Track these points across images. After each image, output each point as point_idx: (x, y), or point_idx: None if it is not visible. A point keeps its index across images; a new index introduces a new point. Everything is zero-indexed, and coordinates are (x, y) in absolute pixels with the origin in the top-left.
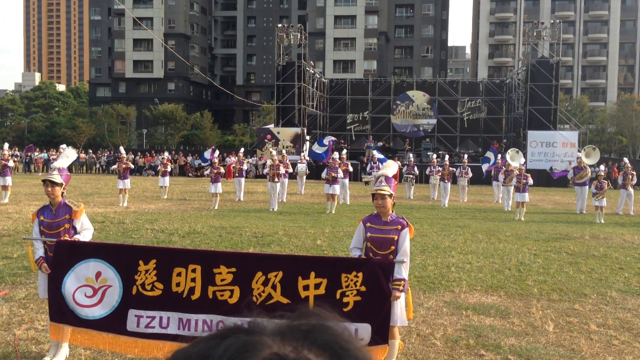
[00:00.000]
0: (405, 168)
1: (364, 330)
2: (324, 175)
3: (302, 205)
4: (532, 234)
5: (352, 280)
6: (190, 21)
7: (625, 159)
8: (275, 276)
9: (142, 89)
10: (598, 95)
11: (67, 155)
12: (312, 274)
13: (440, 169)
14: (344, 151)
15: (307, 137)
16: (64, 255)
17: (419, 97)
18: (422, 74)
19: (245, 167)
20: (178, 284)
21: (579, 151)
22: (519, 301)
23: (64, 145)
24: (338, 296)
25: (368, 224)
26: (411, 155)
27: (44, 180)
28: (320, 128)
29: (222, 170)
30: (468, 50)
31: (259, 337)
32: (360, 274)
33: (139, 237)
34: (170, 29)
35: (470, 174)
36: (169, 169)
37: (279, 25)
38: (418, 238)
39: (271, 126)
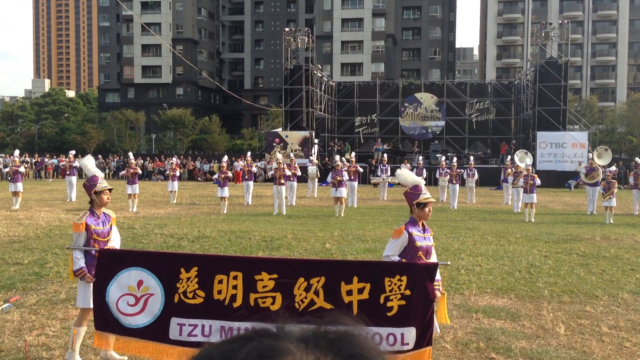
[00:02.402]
0: (414, 170)
1: (410, 334)
2: (329, 179)
3: (311, 208)
4: (542, 236)
5: (395, 284)
6: (198, 26)
7: (637, 159)
8: (318, 282)
9: (151, 94)
10: (607, 95)
11: (87, 163)
12: (355, 279)
13: (448, 171)
14: (353, 154)
15: (316, 141)
16: (106, 264)
17: (427, 99)
18: (430, 76)
19: (254, 170)
20: (220, 292)
21: (589, 152)
22: (530, 303)
23: (73, 152)
24: (382, 301)
25: (414, 233)
26: (420, 157)
27: (109, 189)
28: (329, 131)
29: (230, 174)
30: (476, 52)
31: (283, 342)
32: (404, 278)
33: (149, 242)
34: (178, 34)
35: (477, 176)
36: (177, 174)
37: (287, 29)
38: None
39: (279, 130)
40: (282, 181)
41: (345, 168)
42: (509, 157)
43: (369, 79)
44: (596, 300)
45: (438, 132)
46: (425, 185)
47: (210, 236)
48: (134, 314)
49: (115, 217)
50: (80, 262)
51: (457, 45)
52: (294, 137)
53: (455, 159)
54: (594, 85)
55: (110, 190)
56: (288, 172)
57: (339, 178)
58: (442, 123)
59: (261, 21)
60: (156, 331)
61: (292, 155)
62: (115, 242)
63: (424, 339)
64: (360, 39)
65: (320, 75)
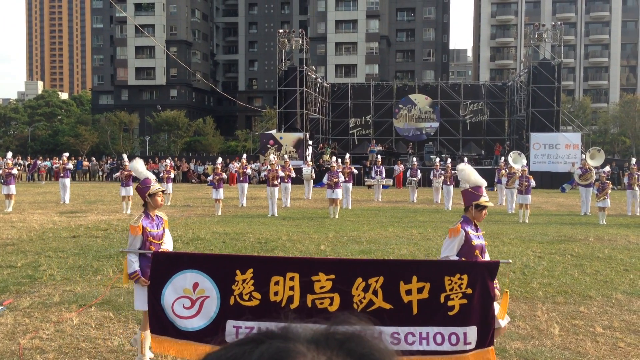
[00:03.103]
0: (408, 172)
1: (472, 333)
2: (325, 180)
3: (305, 210)
4: (536, 237)
5: (456, 283)
6: (192, 28)
7: (633, 159)
8: (376, 281)
9: (145, 96)
10: (600, 97)
11: (138, 166)
12: (414, 278)
13: (443, 172)
14: (347, 155)
15: (310, 142)
16: (161, 267)
17: (421, 101)
18: (424, 78)
19: (248, 172)
20: (276, 293)
21: (583, 153)
22: (524, 304)
23: (66, 154)
24: (442, 300)
25: (469, 232)
26: (414, 158)
27: (162, 191)
28: (323, 133)
29: (225, 176)
30: (469, 53)
31: (294, 344)
32: (465, 277)
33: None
34: (172, 35)
35: None
36: (172, 176)
37: (281, 30)
38: (422, 242)
39: (274, 131)
40: (276, 182)
41: (340, 169)
42: (503, 158)
43: (363, 81)
44: (590, 301)
45: (432, 134)
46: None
47: (204, 238)
48: (190, 316)
49: (167, 220)
50: (135, 266)
51: (451, 46)
52: (289, 139)
53: (449, 160)
54: (587, 86)
55: (163, 192)
56: (281, 173)
57: (335, 179)
58: (436, 124)
59: (255, 23)
60: (212, 334)
61: (286, 156)
62: (168, 244)
63: (486, 338)
64: (354, 40)
65: (314, 76)
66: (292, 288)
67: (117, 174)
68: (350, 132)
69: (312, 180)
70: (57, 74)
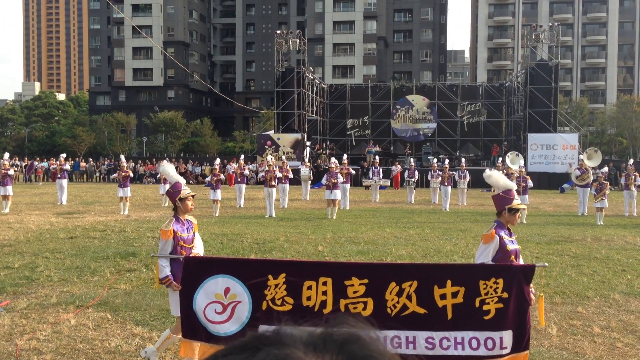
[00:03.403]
0: (406, 173)
1: (508, 338)
2: (323, 181)
3: (303, 211)
4: (533, 237)
5: (491, 287)
6: (190, 29)
7: (631, 160)
8: (410, 286)
9: (142, 97)
10: (597, 97)
11: (169, 170)
12: (449, 282)
13: (440, 173)
14: (345, 156)
15: (308, 143)
16: (192, 272)
17: (419, 102)
18: (421, 78)
19: (246, 172)
20: (309, 298)
21: (580, 153)
22: None
23: (63, 155)
24: (477, 304)
25: (503, 237)
26: (412, 159)
27: (192, 196)
28: (321, 134)
29: (222, 177)
30: (467, 54)
31: (291, 350)
32: (500, 280)
33: (140, 246)
34: (169, 36)
35: (469, 177)
36: None
37: (278, 31)
38: (420, 242)
39: (271, 132)
40: (273, 183)
41: (338, 170)
42: (500, 159)
43: (360, 82)
44: (588, 301)
45: (430, 134)
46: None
47: (202, 239)
48: (222, 321)
49: (197, 224)
50: (166, 270)
51: (448, 47)
52: (286, 140)
53: (447, 161)
54: (584, 87)
55: (193, 196)
56: (279, 174)
57: (333, 180)
58: (434, 125)
59: (253, 24)
60: None
61: (284, 157)
62: (198, 248)
63: (522, 342)
64: (352, 41)
65: (311, 77)
66: (325, 293)
67: (115, 175)
68: (348, 133)
69: (309, 181)
70: (55, 75)
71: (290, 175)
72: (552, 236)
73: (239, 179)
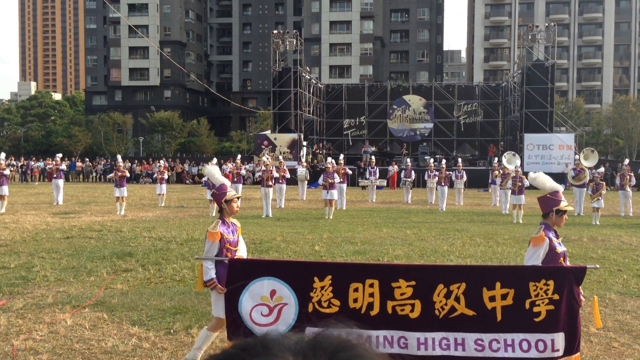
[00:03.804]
0: (403, 173)
1: (560, 340)
2: (320, 181)
3: (300, 211)
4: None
5: (541, 288)
6: (186, 28)
7: (627, 160)
8: (458, 288)
9: (138, 96)
10: (593, 97)
11: (214, 172)
12: (498, 284)
13: (437, 173)
14: (342, 156)
15: (304, 143)
16: (237, 274)
17: (415, 102)
18: (418, 79)
19: (242, 172)
20: (355, 300)
21: (576, 154)
22: None
23: (59, 155)
24: (527, 306)
25: (553, 240)
26: (408, 159)
27: (237, 197)
28: (317, 133)
29: None
30: (463, 54)
31: (280, 359)
32: (551, 282)
33: (137, 245)
34: (165, 36)
35: (465, 177)
36: (166, 177)
37: (275, 31)
38: (417, 242)
39: (268, 132)
40: (270, 183)
41: (334, 170)
42: (497, 159)
43: (357, 82)
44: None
45: (426, 134)
46: (414, 187)
47: (199, 239)
48: (268, 324)
49: (240, 226)
50: (211, 273)
51: (445, 47)
52: (283, 140)
53: (443, 161)
54: (580, 87)
55: (238, 198)
56: (276, 174)
57: (330, 180)
58: (431, 125)
59: (249, 24)
60: None
61: (280, 157)
62: (242, 251)
63: (574, 344)
64: (349, 41)
65: (308, 77)
66: (371, 295)
67: (111, 175)
68: (345, 133)
69: (306, 181)
70: (50, 75)
71: (287, 175)
72: None
73: (235, 179)
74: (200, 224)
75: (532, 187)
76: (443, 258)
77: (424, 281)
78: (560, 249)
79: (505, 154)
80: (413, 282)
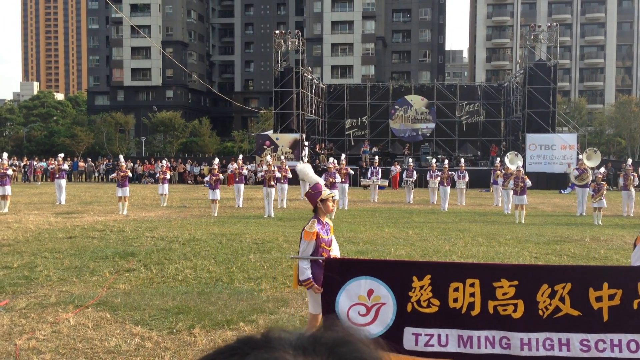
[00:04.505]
0: (404, 173)
1: None
2: (321, 181)
3: (302, 211)
4: (532, 237)
5: None
6: (188, 28)
7: (629, 160)
8: (563, 288)
9: (141, 96)
10: (596, 98)
11: (307, 171)
12: (605, 285)
13: (439, 173)
14: (343, 156)
15: (306, 143)
16: (334, 274)
17: (417, 102)
18: (420, 79)
19: (245, 172)
20: (456, 300)
21: (579, 154)
22: None
23: (62, 155)
24: (636, 306)
25: None
26: (410, 159)
27: (333, 197)
28: (319, 134)
29: (221, 177)
30: (465, 54)
31: (280, 353)
32: None
33: (139, 245)
34: (168, 36)
35: (467, 178)
36: (168, 177)
37: (277, 31)
38: (419, 242)
39: (270, 132)
40: (272, 183)
41: (336, 170)
42: (499, 159)
43: (359, 82)
44: None
45: (428, 135)
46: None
47: (201, 239)
48: (366, 324)
49: (332, 225)
50: (308, 273)
51: (447, 47)
52: (285, 140)
53: (446, 161)
54: (582, 87)
55: (333, 197)
56: (278, 174)
57: (331, 180)
58: (432, 125)
59: (251, 24)
60: (390, 341)
61: (282, 157)
62: (335, 250)
63: None
64: (350, 41)
65: (310, 77)
66: (472, 295)
67: (113, 175)
68: (347, 133)
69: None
70: (53, 75)
71: (289, 175)
72: (550, 236)
73: (237, 179)
74: (202, 224)
75: (534, 187)
76: (445, 258)
77: (527, 281)
78: None
79: (507, 154)
80: (516, 282)
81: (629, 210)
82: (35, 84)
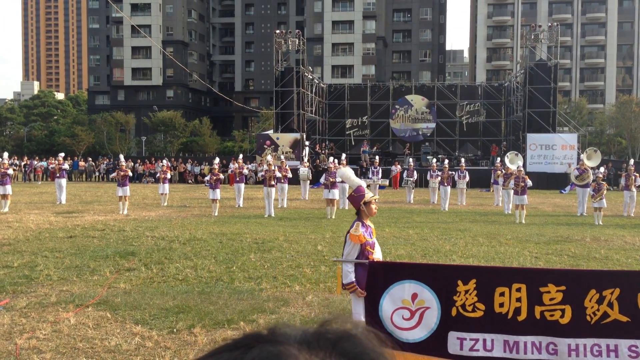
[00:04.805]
0: (405, 172)
1: None
2: (322, 180)
3: (302, 210)
4: (533, 237)
5: None
6: (189, 28)
7: (632, 160)
8: (612, 293)
9: (141, 96)
10: (596, 97)
11: (349, 174)
12: None
13: (439, 172)
14: (344, 156)
15: (307, 143)
16: (377, 277)
17: (418, 102)
18: (420, 78)
19: (245, 172)
20: (501, 304)
21: (580, 153)
22: None
23: (62, 154)
24: None
25: None
26: (411, 159)
27: (375, 199)
28: (320, 133)
29: (222, 176)
30: (466, 54)
31: (284, 347)
32: None
33: (140, 245)
34: (168, 36)
35: (468, 177)
36: (168, 176)
37: (277, 31)
38: (419, 242)
39: (270, 132)
40: (272, 183)
41: (336, 170)
42: (499, 159)
43: (359, 81)
44: None
45: (429, 134)
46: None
47: (201, 238)
48: (410, 328)
49: (375, 228)
50: (352, 276)
51: (448, 47)
52: (285, 139)
53: (446, 161)
54: (583, 87)
55: (376, 199)
56: (278, 174)
57: (332, 179)
58: (433, 125)
59: (252, 23)
60: (434, 345)
61: (282, 157)
62: (378, 253)
63: None
64: (351, 41)
65: (311, 77)
66: (518, 299)
67: (114, 175)
68: (347, 132)
69: (308, 181)
70: (53, 74)
71: (289, 175)
72: (551, 236)
73: (237, 179)
74: (203, 223)
75: (534, 187)
76: (445, 258)
77: (575, 286)
78: None
79: (507, 153)
80: (563, 287)
81: (630, 211)
82: (36, 84)
